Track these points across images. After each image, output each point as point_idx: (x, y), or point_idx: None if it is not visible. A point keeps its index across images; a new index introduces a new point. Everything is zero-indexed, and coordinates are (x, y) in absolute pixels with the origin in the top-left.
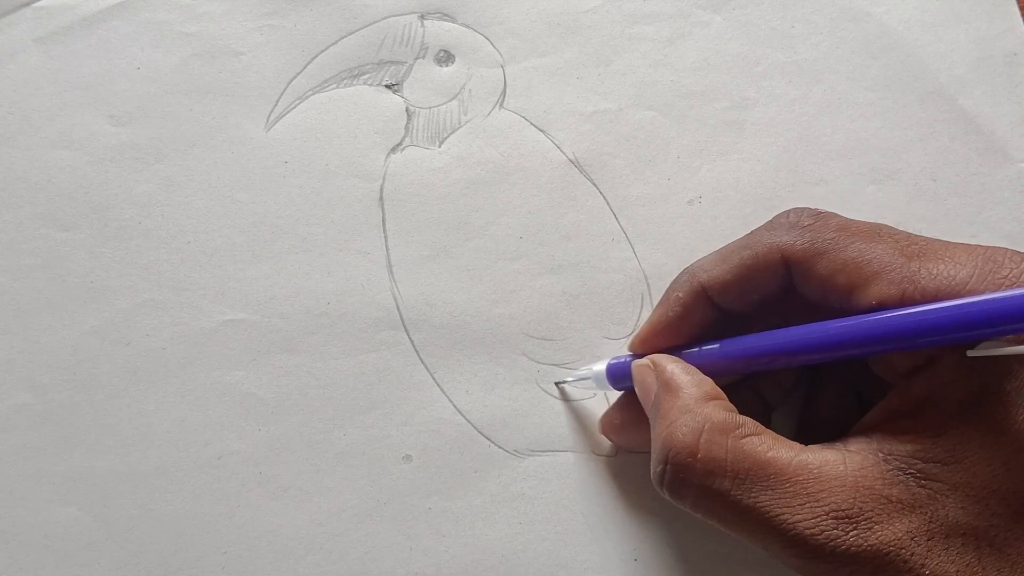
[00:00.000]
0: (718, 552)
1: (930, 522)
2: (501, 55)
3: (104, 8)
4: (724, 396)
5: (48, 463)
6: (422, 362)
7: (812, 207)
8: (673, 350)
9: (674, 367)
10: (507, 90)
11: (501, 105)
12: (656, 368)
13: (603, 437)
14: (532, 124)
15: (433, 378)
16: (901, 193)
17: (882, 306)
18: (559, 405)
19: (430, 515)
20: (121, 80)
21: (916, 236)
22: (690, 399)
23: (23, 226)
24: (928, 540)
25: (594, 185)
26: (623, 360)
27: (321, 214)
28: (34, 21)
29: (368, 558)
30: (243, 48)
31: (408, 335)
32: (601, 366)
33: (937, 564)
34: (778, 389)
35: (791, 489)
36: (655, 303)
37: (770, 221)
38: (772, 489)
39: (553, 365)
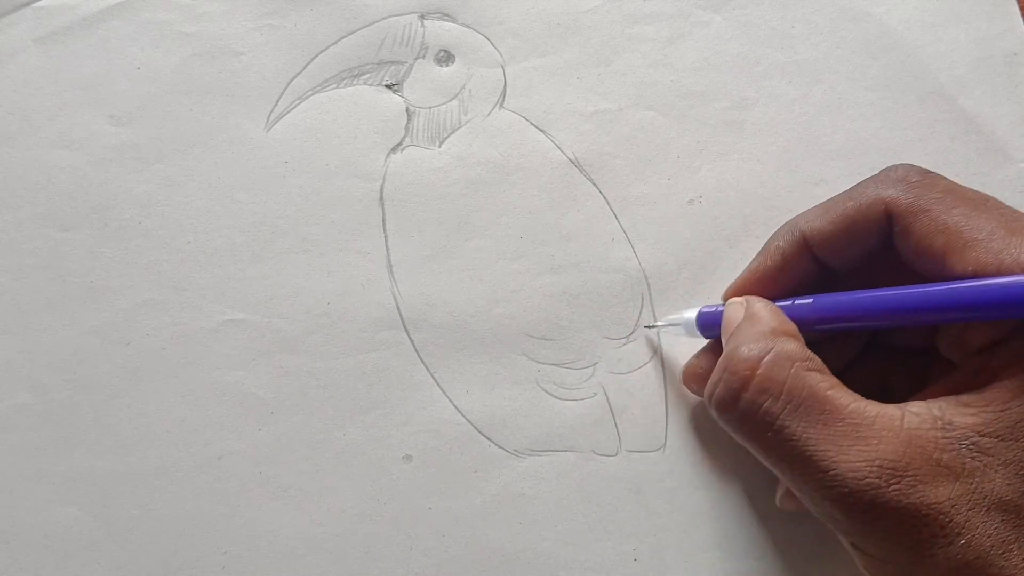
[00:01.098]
0: (718, 552)
1: (974, 492)
2: (501, 55)
3: (104, 8)
4: (801, 338)
5: (48, 463)
6: (422, 362)
7: (921, 167)
8: (768, 299)
9: (761, 305)
10: (507, 90)
11: (501, 105)
12: (747, 303)
13: (606, 437)
14: (532, 124)
15: (433, 378)
16: None
17: (977, 274)
18: (559, 405)
19: (430, 515)
20: (121, 80)
21: (1020, 212)
22: (766, 327)
23: (23, 226)
24: (969, 510)
25: (594, 185)
26: (715, 308)
27: (321, 214)
28: (34, 21)
29: (368, 558)
30: (243, 48)
31: (408, 335)
32: (692, 313)
33: (974, 535)
34: (841, 356)
35: (842, 430)
36: (655, 303)
37: (878, 174)
38: (824, 425)
39: (553, 365)
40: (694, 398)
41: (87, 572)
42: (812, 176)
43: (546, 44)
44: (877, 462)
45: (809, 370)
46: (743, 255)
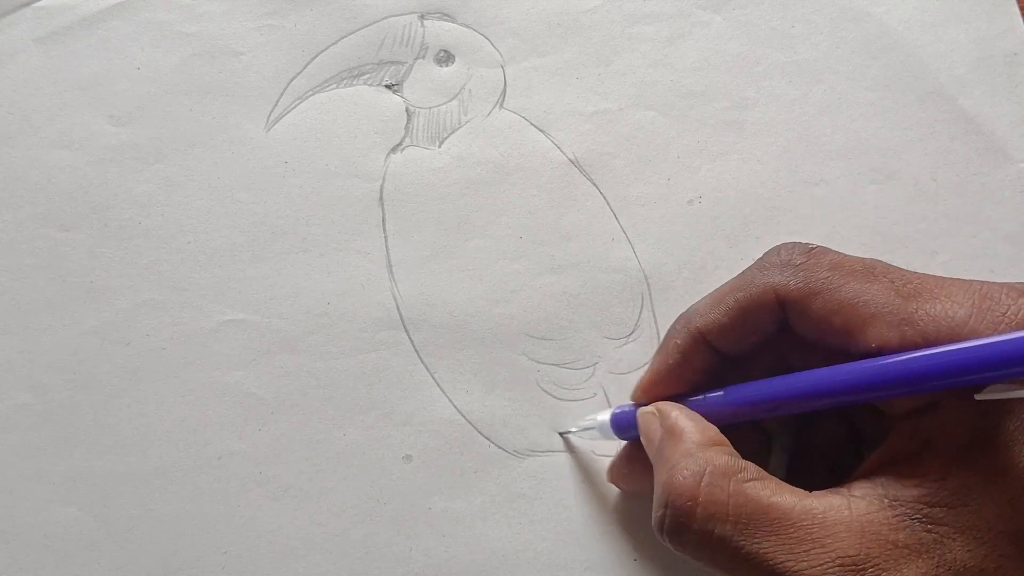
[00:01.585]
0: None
1: (938, 566)
2: (501, 55)
3: (104, 8)
4: (727, 442)
5: (48, 463)
6: (422, 362)
7: (802, 242)
8: (677, 398)
9: (678, 413)
10: (507, 90)
11: (501, 105)
12: (660, 415)
13: (607, 440)
14: (532, 124)
15: (433, 378)
16: (901, 193)
17: (881, 350)
18: (559, 405)
19: (430, 515)
20: (121, 80)
21: (910, 273)
22: (692, 444)
23: (23, 226)
24: None
25: (594, 185)
26: (627, 409)
27: (321, 214)
28: (34, 21)
29: (368, 558)
30: (243, 48)
31: (408, 335)
32: (606, 416)
33: None
34: (779, 421)
35: (795, 535)
36: (655, 303)
37: (761, 260)
38: (776, 535)
39: (553, 365)
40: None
41: (87, 572)
42: (812, 176)
43: (546, 44)
44: (838, 561)
45: (747, 481)
46: (743, 255)
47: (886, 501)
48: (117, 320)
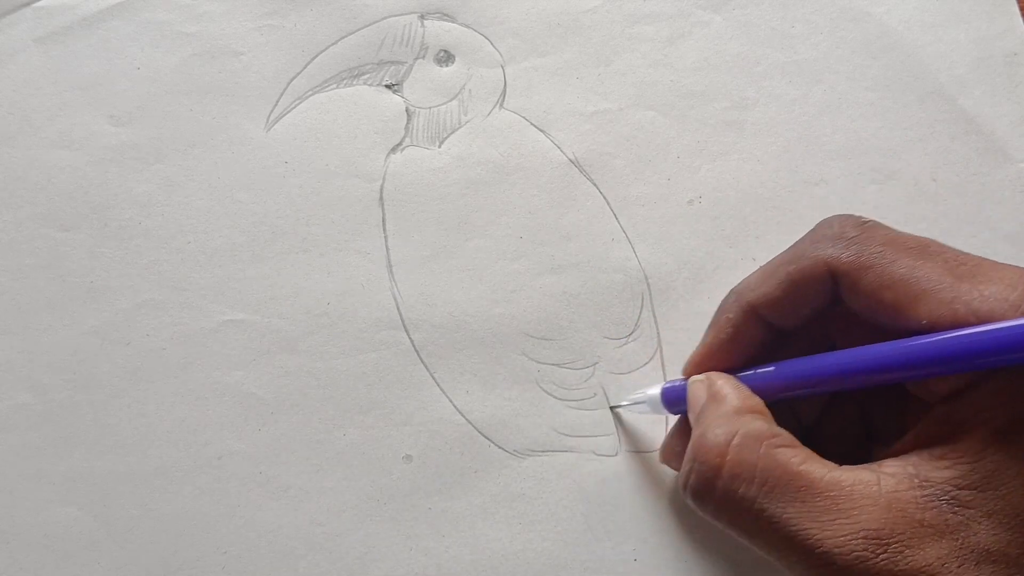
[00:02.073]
0: (718, 553)
1: (961, 548)
2: (501, 55)
3: (104, 8)
4: (767, 412)
5: (48, 463)
6: (422, 362)
7: (855, 215)
8: (728, 372)
9: (723, 381)
10: (507, 90)
11: (501, 105)
12: (708, 381)
13: (606, 437)
14: (532, 124)
15: (433, 378)
16: (901, 193)
17: (933, 327)
18: (559, 405)
19: (430, 515)
20: (121, 80)
21: (964, 255)
22: (731, 408)
23: (23, 226)
24: (959, 567)
25: (594, 185)
26: (677, 384)
27: (321, 214)
28: (34, 21)
29: (368, 558)
30: (243, 48)
31: (408, 335)
32: (656, 390)
33: None
34: (812, 407)
35: (821, 504)
36: (655, 303)
37: (813, 231)
38: (801, 502)
39: (553, 365)
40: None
41: (87, 572)
42: (812, 176)
43: (546, 44)
44: (862, 533)
45: (779, 447)
46: (743, 255)
47: (916, 480)
48: (117, 320)
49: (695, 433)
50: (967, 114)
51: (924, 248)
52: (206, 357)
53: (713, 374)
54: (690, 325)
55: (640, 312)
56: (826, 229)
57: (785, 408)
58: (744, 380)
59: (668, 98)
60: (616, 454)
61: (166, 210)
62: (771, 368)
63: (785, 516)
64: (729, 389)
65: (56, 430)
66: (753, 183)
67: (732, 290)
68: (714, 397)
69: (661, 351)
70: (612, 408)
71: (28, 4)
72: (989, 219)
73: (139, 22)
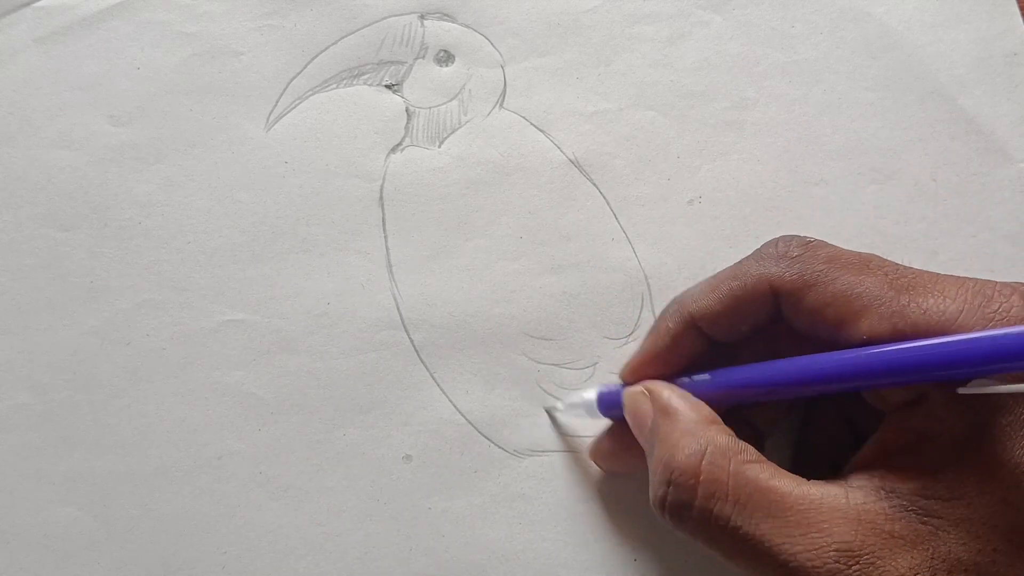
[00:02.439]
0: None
1: (932, 558)
2: (501, 55)
3: (104, 8)
4: (721, 421)
5: (48, 463)
6: (422, 362)
7: (801, 235)
8: (664, 379)
9: (670, 393)
10: (507, 90)
11: (501, 105)
12: (652, 394)
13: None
14: (532, 124)
15: (433, 378)
16: (901, 193)
17: (872, 341)
18: (559, 405)
19: (430, 515)
20: (121, 80)
21: (905, 268)
22: (690, 422)
23: (23, 226)
24: None
25: (594, 185)
26: (614, 389)
27: (321, 214)
28: (34, 21)
29: (368, 558)
30: (243, 48)
31: (408, 335)
32: (591, 395)
33: None
34: (769, 417)
35: (793, 519)
36: (655, 303)
37: (758, 250)
38: (774, 517)
39: (553, 365)
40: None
41: (87, 572)
42: (812, 176)
43: (546, 44)
44: (833, 547)
45: (746, 463)
46: (743, 255)
47: (883, 492)
48: (117, 320)
49: (661, 452)
50: (967, 114)
51: (865, 264)
52: (206, 357)
53: (655, 384)
54: None
55: (640, 312)
56: (771, 248)
57: (737, 415)
58: (680, 387)
59: (668, 98)
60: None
61: (166, 210)
62: (707, 376)
63: (759, 532)
64: (679, 401)
65: (56, 430)
66: (753, 183)
67: (674, 299)
68: (665, 411)
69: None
70: (547, 410)
71: (28, 4)
72: (989, 219)
73: (139, 22)
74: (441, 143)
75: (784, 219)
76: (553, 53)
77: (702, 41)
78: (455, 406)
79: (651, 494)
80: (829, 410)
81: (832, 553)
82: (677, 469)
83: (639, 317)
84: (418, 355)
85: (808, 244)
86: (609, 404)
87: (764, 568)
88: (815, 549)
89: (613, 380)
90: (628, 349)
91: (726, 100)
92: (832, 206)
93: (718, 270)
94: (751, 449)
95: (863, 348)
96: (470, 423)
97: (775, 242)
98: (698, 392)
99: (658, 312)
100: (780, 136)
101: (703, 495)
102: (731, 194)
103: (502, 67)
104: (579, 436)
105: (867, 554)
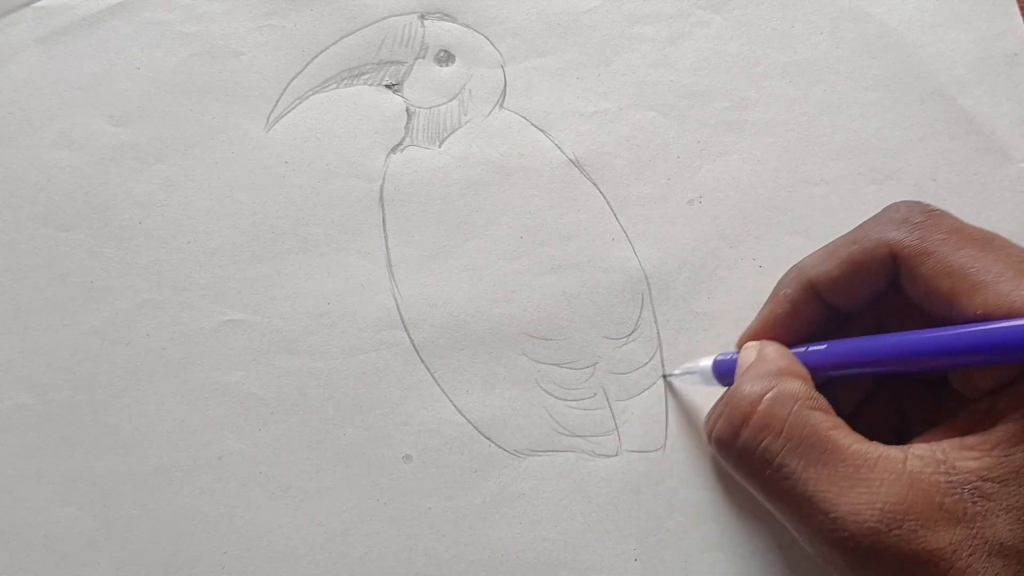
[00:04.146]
0: (719, 552)
1: (975, 538)
2: (501, 55)
3: (104, 8)
4: (808, 377)
5: (48, 463)
6: (422, 362)
7: (924, 202)
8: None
9: (772, 347)
10: (507, 90)
11: (501, 105)
12: (759, 346)
13: (606, 437)
14: (532, 124)
15: (433, 378)
16: (901, 193)
17: (987, 317)
18: (559, 405)
19: (430, 515)
20: (121, 80)
21: None
22: (773, 367)
23: (23, 226)
24: (970, 555)
25: (594, 185)
26: (730, 356)
27: (321, 214)
28: (34, 21)
29: (368, 558)
30: (243, 48)
31: (408, 335)
32: (707, 361)
33: None
34: (852, 396)
35: (843, 470)
36: (655, 303)
37: (880, 213)
38: (825, 465)
39: (553, 365)
40: (694, 399)
41: (87, 572)
42: (812, 176)
43: (546, 44)
44: (878, 505)
45: (812, 409)
46: (743, 255)
47: (943, 466)
48: (117, 320)
49: (734, 384)
50: (967, 114)
51: (989, 241)
52: (206, 357)
53: (764, 341)
54: (690, 325)
55: (640, 312)
56: (893, 213)
57: (827, 394)
58: (795, 354)
59: (668, 98)
60: (616, 454)
61: (166, 210)
62: (823, 346)
63: (805, 475)
64: (775, 353)
65: (56, 430)
66: (753, 183)
67: (793, 266)
68: (760, 358)
69: (661, 351)
70: (664, 376)
71: (28, 4)
72: (989, 219)
73: (139, 22)
74: (441, 143)
75: (784, 219)
76: (553, 53)
77: (702, 41)
78: (455, 406)
79: (707, 424)
80: (883, 398)
81: (876, 511)
82: (735, 398)
83: (639, 317)
84: (418, 355)
85: (931, 212)
86: (724, 371)
87: (801, 512)
88: (860, 504)
89: (613, 378)
90: (628, 349)
91: (726, 100)
92: (832, 206)
93: (718, 270)
94: (821, 399)
95: (977, 324)
96: (470, 423)
97: (897, 206)
98: (813, 362)
99: (658, 312)
100: (780, 136)
101: (756, 426)
102: (731, 194)
103: (502, 67)
104: (581, 436)
105: (911, 520)
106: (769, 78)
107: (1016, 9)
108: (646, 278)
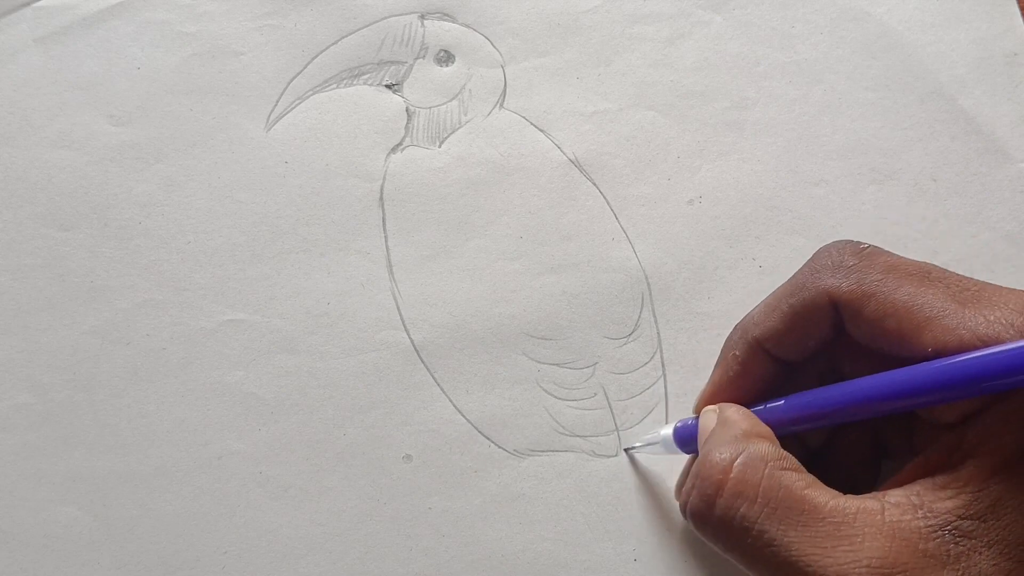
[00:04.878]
0: (718, 553)
1: None
2: (501, 55)
3: (104, 8)
4: (774, 438)
5: (48, 463)
6: (422, 362)
7: (852, 241)
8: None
9: (733, 410)
10: (507, 90)
11: (501, 105)
12: (719, 410)
13: (606, 437)
14: (532, 124)
15: (433, 378)
16: (901, 193)
17: (939, 354)
18: (559, 405)
19: (430, 515)
20: (121, 80)
21: (966, 280)
22: (738, 431)
23: (23, 226)
24: None
25: (594, 185)
26: (689, 422)
27: (321, 214)
28: (34, 21)
29: (368, 558)
30: (243, 48)
31: (408, 335)
32: (668, 430)
33: None
34: (820, 432)
35: (825, 530)
36: (655, 303)
37: (812, 261)
38: (804, 526)
39: (553, 365)
40: (693, 399)
41: (87, 572)
42: (812, 176)
43: (546, 44)
44: (864, 562)
45: (783, 469)
46: (743, 255)
47: (920, 512)
48: (117, 320)
49: (701, 453)
50: (967, 114)
51: (926, 274)
52: (206, 357)
53: (724, 404)
54: (690, 325)
55: (640, 312)
56: (825, 258)
57: (791, 435)
58: (756, 414)
59: (668, 98)
60: (616, 454)
61: (166, 210)
62: (780, 402)
63: (786, 540)
64: (738, 416)
65: (56, 430)
66: (753, 183)
67: (737, 326)
68: (723, 423)
69: (661, 351)
70: (626, 450)
71: (28, 4)
72: (989, 219)
73: (139, 22)
74: (441, 143)
75: (784, 219)
76: (553, 53)
77: (702, 41)
78: (455, 406)
79: (680, 496)
80: (857, 428)
81: (863, 569)
82: (706, 468)
83: (639, 317)
84: (418, 355)
85: (862, 251)
86: (685, 437)
87: None
88: (845, 563)
89: (613, 378)
90: (628, 349)
91: (726, 100)
92: (832, 206)
93: (718, 270)
94: (791, 458)
95: (934, 361)
96: (470, 423)
97: (828, 250)
98: (773, 419)
99: (658, 312)
100: (780, 136)
101: (730, 494)
102: (731, 194)
103: (502, 67)
104: (581, 436)
105: (899, 572)
106: (769, 78)
107: (1016, 9)
108: (646, 278)
